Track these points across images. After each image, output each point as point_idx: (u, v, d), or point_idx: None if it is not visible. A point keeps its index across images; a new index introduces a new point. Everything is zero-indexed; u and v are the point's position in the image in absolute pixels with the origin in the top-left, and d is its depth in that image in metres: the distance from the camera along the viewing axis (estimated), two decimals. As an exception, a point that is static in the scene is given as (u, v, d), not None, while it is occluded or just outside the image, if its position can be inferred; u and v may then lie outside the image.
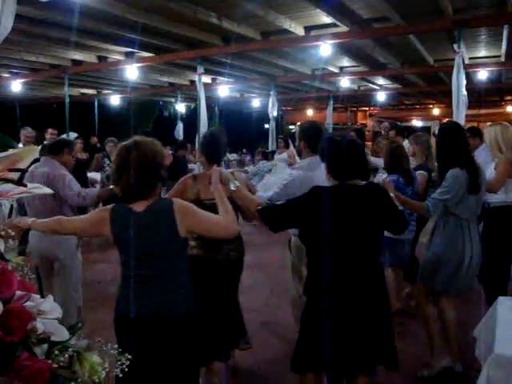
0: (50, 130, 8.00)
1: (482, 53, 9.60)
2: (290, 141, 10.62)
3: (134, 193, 2.31)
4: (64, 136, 10.52)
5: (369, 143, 12.49)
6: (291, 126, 24.23)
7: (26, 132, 7.17)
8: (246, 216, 3.40)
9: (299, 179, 3.40)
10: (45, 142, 7.74)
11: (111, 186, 3.95)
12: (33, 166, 4.10)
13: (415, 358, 3.85)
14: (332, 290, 2.55)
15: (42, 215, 3.05)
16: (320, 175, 3.15)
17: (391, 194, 2.97)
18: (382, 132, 7.66)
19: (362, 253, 2.58)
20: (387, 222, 2.68)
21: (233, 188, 2.75)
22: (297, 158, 10.18)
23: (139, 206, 2.31)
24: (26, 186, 1.05)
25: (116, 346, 1.30)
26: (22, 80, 11.55)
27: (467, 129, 5.75)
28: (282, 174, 9.47)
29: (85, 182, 7.34)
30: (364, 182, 2.70)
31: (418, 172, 4.87)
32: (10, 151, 1.02)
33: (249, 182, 3.69)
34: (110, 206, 2.39)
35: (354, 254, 2.56)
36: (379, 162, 5.45)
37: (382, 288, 2.68)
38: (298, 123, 23.07)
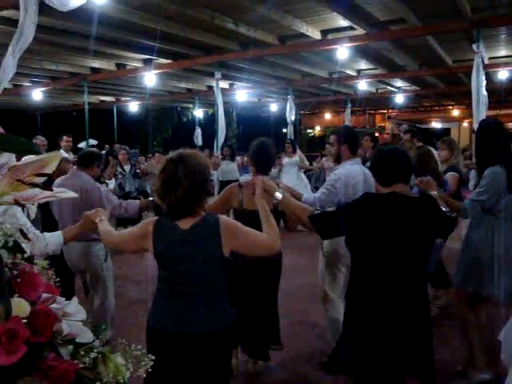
0: (65, 138, 8.07)
1: (503, 52, 9.48)
2: (296, 145, 10.71)
3: (182, 209, 2.26)
4: (83, 144, 10.68)
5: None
6: (309, 130, 24.20)
7: (39, 141, 7.25)
8: (288, 224, 3.44)
9: (344, 177, 3.53)
10: (61, 150, 7.86)
11: (150, 198, 4.00)
12: (60, 179, 4.10)
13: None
14: (375, 299, 2.53)
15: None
16: (358, 171, 3.48)
17: (434, 193, 2.99)
18: (402, 135, 7.61)
19: (408, 263, 2.53)
20: (437, 229, 2.65)
21: (279, 197, 2.73)
22: (306, 161, 10.38)
23: (185, 223, 2.26)
24: (52, 190, 1.08)
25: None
26: (43, 88, 11.74)
27: None
28: (289, 176, 9.65)
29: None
30: (417, 195, 2.74)
31: (448, 173, 4.88)
32: (37, 157, 1.05)
33: (292, 189, 3.69)
34: (154, 219, 2.36)
35: (400, 264, 2.50)
36: None
37: (425, 300, 2.64)
38: (315, 128, 23.04)
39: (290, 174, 9.83)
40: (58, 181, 4.06)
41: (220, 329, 2.29)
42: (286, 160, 10.16)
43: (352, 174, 3.52)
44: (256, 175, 3.36)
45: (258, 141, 3.63)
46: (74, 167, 4.23)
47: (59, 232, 2.74)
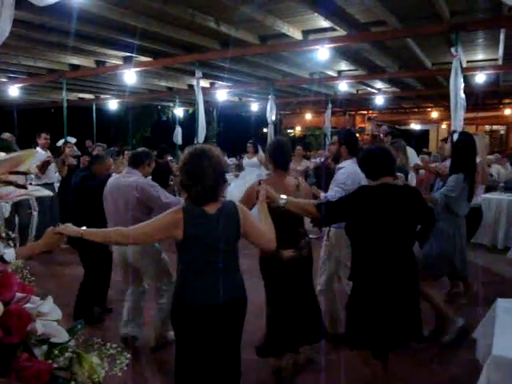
0: (43, 135, 8.00)
1: (480, 56, 9.63)
2: (258, 146, 10.30)
3: (208, 197, 2.55)
4: (62, 141, 10.50)
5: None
6: (290, 131, 24.26)
7: (7, 137, 7.14)
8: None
9: (352, 174, 3.95)
10: (38, 148, 7.75)
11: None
12: (114, 178, 4.24)
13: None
14: (375, 275, 2.97)
15: (123, 224, 2.85)
16: (359, 169, 3.76)
17: None
18: (381, 136, 7.68)
19: (399, 241, 3.02)
20: (420, 217, 3.17)
21: (283, 202, 3.13)
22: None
23: (211, 208, 2.56)
24: (26, 188, 1.07)
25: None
26: (20, 85, 11.56)
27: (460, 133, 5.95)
28: (250, 177, 9.22)
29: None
30: (401, 184, 3.26)
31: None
32: (11, 154, 1.03)
33: (309, 189, 3.97)
34: (180, 208, 2.57)
35: (392, 243, 2.99)
36: None
37: (415, 273, 3.09)
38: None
39: (251, 176, 9.24)
40: (111, 180, 4.21)
41: (244, 294, 2.70)
42: (245, 161, 9.96)
43: (357, 172, 3.83)
44: (275, 173, 3.79)
45: (275, 139, 4.14)
46: (127, 167, 4.26)
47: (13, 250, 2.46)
